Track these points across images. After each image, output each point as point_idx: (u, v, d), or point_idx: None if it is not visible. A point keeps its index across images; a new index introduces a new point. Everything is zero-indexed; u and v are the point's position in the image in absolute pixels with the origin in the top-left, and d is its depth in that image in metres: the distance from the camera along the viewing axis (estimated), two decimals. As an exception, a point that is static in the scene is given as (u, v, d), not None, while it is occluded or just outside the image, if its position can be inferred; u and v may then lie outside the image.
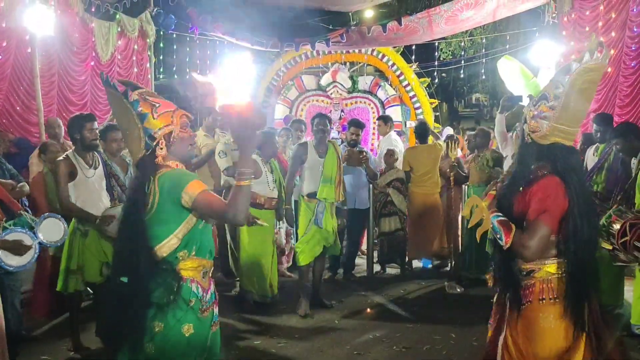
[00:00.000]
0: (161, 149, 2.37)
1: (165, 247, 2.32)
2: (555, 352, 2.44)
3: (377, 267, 6.88)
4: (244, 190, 2.22)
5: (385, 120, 7.67)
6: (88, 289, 4.59)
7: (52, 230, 4.03)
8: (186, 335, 2.31)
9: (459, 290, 6.05)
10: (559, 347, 2.44)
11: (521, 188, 2.52)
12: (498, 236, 2.43)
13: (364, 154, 6.38)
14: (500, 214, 2.48)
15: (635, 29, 6.31)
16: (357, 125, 6.53)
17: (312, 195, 5.41)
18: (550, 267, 2.47)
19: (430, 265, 7.18)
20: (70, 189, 4.31)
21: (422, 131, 6.86)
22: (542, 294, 2.45)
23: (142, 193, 2.35)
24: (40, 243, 3.89)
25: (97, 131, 4.44)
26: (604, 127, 5.32)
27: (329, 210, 5.41)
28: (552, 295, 2.45)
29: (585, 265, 2.44)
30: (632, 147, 4.76)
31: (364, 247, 7.26)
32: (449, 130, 11.29)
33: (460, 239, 6.77)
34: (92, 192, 4.39)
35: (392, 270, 6.89)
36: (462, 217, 6.59)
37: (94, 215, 4.28)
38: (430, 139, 7.05)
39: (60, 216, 4.13)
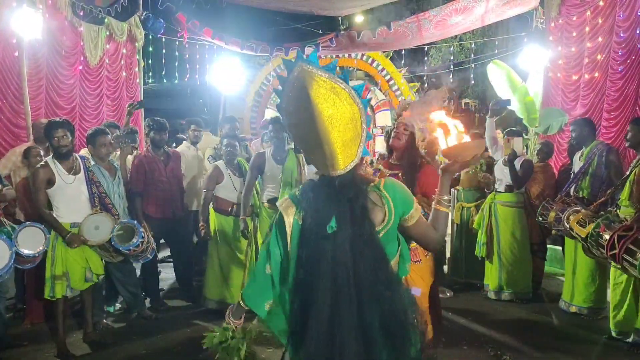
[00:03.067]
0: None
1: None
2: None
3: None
4: (444, 215, 2.19)
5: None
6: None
7: (31, 239, 3.99)
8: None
9: (448, 294, 6.04)
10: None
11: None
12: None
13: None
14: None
15: (622, 34, 6.35)
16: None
17: (272, 201, 5.27)
18: None
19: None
20: (50, 195, 4.29)
21: None
22: (416, 257, 3.47)
23: (369, 207, 2.04)
24: (17, 253, 3.84)
25: (69, 138, 4.36)
26: (578, 130, 5.40)
27: None
28: (419, 258, 3.54)
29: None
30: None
31: None
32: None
33: (450, 244, 6.78)
34: (72, 198, 4.36)
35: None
36: (452, 222, 6.61)
37: (65, 230, 4.27)
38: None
39: (42, 226, 4.09)
